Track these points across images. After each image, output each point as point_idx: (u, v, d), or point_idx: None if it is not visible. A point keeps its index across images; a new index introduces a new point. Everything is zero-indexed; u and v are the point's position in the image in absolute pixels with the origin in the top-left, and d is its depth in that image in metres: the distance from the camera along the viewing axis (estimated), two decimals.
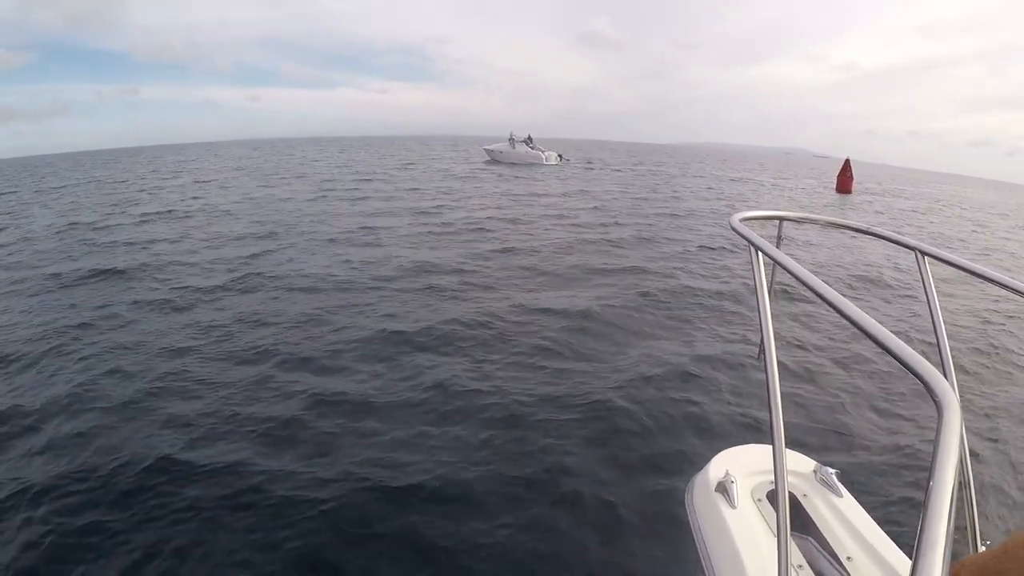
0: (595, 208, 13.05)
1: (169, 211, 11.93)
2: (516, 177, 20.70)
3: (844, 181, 23.48)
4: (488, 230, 9.59)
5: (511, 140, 27.09)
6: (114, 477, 2.68)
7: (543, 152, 25.91)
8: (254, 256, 7.49)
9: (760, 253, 1.04)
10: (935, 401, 0.57)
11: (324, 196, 14.36)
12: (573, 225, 10.41)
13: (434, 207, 12.35)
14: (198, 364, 3.97)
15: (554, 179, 20.55)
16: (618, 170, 27.71)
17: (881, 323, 0.70)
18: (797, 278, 0.91)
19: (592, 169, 26.23)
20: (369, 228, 9.50)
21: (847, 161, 23.97)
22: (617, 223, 10.83)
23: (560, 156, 26.98)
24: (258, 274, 6.50)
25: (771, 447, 0.86)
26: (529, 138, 26.59)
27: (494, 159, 27.49)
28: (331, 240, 8.55)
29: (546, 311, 5.20)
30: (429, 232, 9.32)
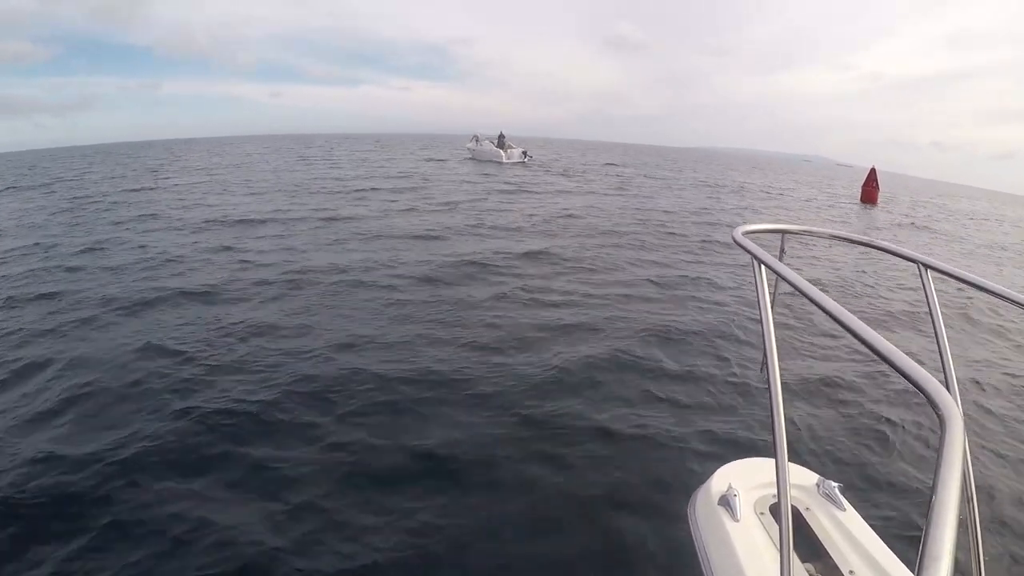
0: None
1: None
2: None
3: (869, 192, 21.47)
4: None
5: (475, 139, 30.44)
6: None
7: (504, 151, 27.52)
8: None
9: (763, 266, 1.04)
10: (938, 414, 0.57)
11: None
12: None
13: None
14: None
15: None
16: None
17: (884, 335, 0.70)
18: (800, 291, 0.91)
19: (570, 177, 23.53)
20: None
21: (872, 170, 21.89)
22: None
23: (525, 153, 28.19)
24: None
25: (774, 460, 0.85)
26: (501, 136, 28.90)
27: (471, 156, 30.23)
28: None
29: None
30: None
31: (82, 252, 7.71)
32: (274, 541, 2.31)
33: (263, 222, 9.90)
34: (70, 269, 6.79)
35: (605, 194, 17.18)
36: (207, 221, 9.96)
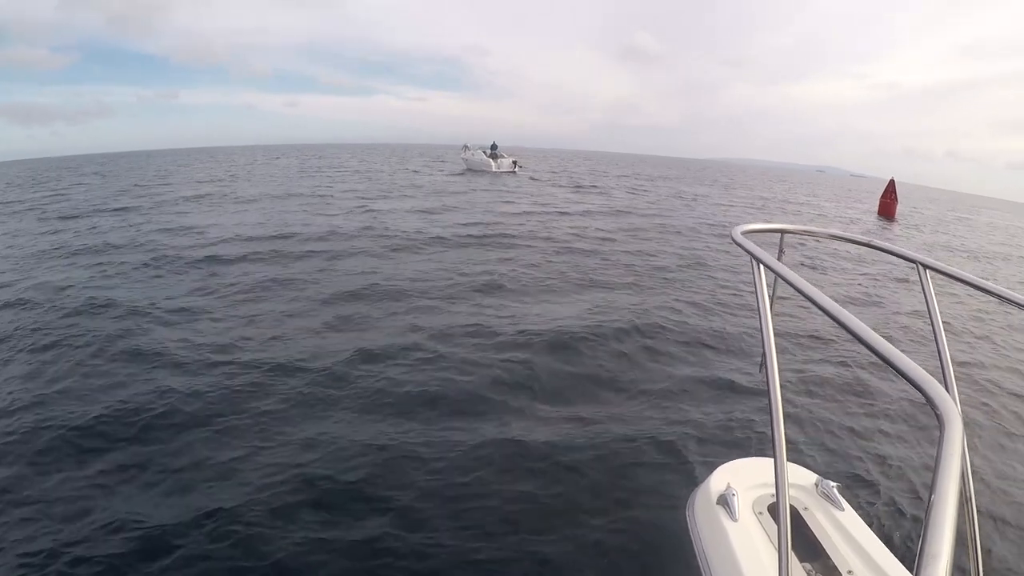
0: None
1: None
2: None
3: (887, 205, 19.69)
4: None
5: (465, 148, 31.64)
6: None
7: (494, 160, 28.31)
8: None
9: (762, 266, 1.04)
10: (937, 414, 0.57)
11: None
12: None
13: None
14: None
15: None
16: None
17: (884, 335, 0.70)
18: (799, 290, 0.91)
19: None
20: None
21: (891, 182, 19.90)
22: None
23: (515, 163, 28.73)
24: None
25: (772, 460, 0.85)
26: (494, 145, 29.71)
27: (466, 165, 30.92)
28: None
29: None
30: None
31: None
32: None
33: None
34: None
35: None
36: None
